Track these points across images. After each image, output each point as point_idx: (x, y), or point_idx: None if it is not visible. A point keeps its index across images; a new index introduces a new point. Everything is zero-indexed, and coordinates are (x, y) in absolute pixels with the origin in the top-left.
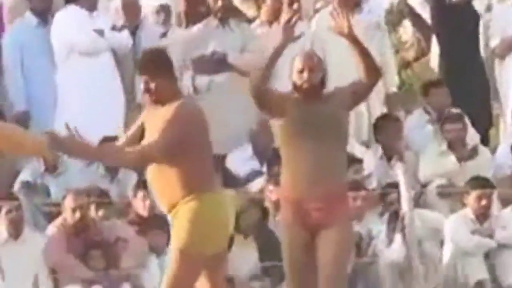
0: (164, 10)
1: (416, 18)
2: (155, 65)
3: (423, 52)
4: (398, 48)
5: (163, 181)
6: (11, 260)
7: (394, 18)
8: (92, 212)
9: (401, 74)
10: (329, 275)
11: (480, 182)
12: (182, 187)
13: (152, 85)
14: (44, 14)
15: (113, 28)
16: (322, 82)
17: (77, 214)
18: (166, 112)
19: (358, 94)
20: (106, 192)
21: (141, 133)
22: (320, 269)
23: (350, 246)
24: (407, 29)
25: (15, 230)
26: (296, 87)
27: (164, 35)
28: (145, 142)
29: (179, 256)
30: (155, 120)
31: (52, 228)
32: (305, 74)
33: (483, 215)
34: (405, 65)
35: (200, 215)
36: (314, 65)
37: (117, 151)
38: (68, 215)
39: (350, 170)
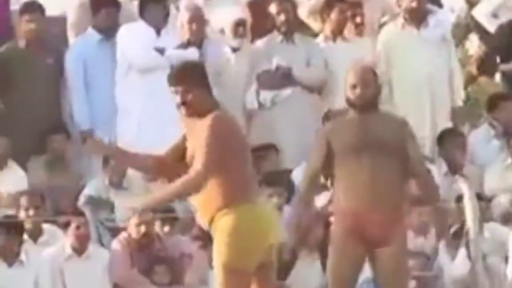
0: (241, 24)
1: (482, 32)
2: (193, 76)
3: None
4: (464, 62)
5: (201, 194)
6: (74, 277)
7: (460, 32)
8: (157, 227)
9: (467, 88)
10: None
11: None
12: (219, 199)
13: (190, 97)
14: (107, 30)
15: (180, 46)
16: (377, 97)
17: (142, 229)
18: (203, 125)
19: (407, 157)
20: (172, 208)
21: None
22: (381, 282)
23: (407, 263)
24: (473, 43)
25: (81, 246)
26: (349, 103)
27: (236, 50)
28: (190, 160)
29: (223, 270)
30: (194, 133)
31: (116, 243)
32: (358, 90)
33: None
34: (471, 79)
35: (237, 228)
36: (368, 80)
37: (178, 189)
38: (132, 230)
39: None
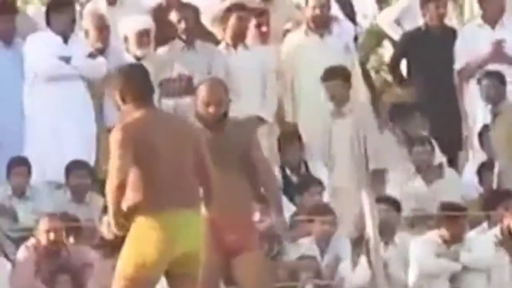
0: (145, 34)
1: (393, 40)
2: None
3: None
4: (379, 69)
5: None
6: None
7: (373, 38)
8: (63, 237)
9: (382, 97)
10: None
11: (451, 206)
12: (130, 207)
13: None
14: (6, 37)
15: (89, 55)
16: (226, 113)
17: (51, 236)
18: None
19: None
20: (76, 217)
21: None
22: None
23: (267, 270)
24: (387, 49)
25: None
26: (200, 118)
27: (139, 59)
28: None
29: (117, 278)
30: None
31: (23, 250)
32: (212, 109)
33: (454, 240)
34: (386, 86)
35: (134, 237)
36: (221, 98)
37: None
38: (42, 237)
39: (309, 192)
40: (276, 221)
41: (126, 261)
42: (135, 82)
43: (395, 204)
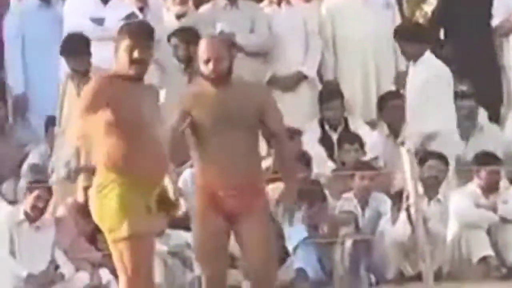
0: None
1: None
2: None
3: None
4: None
5: None
6: (24, 243)
7: None
8: None
9: None
10: (257, 257)
11: (487, 158)
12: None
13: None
14: None
15: (127, 16)
16: (230, 68)
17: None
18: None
19: (265, 124)
20: None
21: None
22: (247, 253)
23: (269, 236)
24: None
25: (34, 216)
26: (204, 76)
27: (181, 16)
28: None
29: None
30: None
31: (62, 208)
32: (211, 65)
33: (489, 189)
34: None
35: None
36: (221, 54)
37: None
38: (79, 195)
39: (351, 149)
40: (285, 189)
41: None
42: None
43: (442, 159)
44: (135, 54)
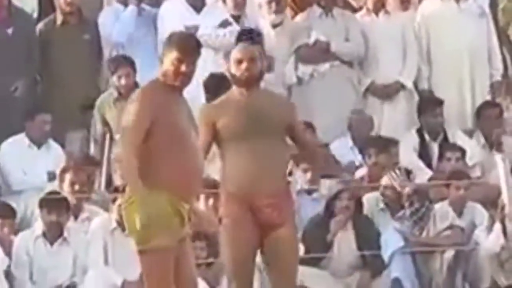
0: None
1: None
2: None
3: None
4: None
5: None
6: (118, 250)
7: None
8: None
9: None
10: (284, 270)
11: None
12: None
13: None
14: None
15: (221, 24)
16: (262, 75)
17: None
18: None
19: (293, 134)
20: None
21: None
22: (275, 264)
23: (298, 243)
24: None
25: None
26: (235, 79)
27: (277, 25)
28: None
29: None
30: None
31: None
32: (244, 64)
33: None
34: None
35: None
36: (254, 56)
37: None
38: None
39: (452, 157)
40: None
41: None
42: None
43: None
44: (183, 67)
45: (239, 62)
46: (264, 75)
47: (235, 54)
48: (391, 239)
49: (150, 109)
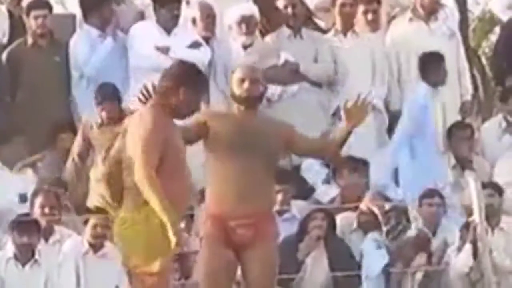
0: (248, 21)
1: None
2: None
3: None
4: (490, 55)
5: None
6: (90, 273)
7: (485, 25)
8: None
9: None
10: (263, 284)
11: None
12: None
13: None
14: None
15: (192, 45)
16: (261, 95)
17: None
18: None
19: (293, 145)
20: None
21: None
22: (254, 279)
23: (276, 264)
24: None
25: (97, 244)
26: (235, 98)
27: (248, 46)
28: None
29: None
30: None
31: None
32: (246, 84)
33: None
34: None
35: None
36: (256, 77)
37: None
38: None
39: None
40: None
41: None
42: None
43: (497, 188)
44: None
45: (241, 81)
46: (263, 97)
47: (238, 73)
48: (376, 256)
49: (162, 132)
